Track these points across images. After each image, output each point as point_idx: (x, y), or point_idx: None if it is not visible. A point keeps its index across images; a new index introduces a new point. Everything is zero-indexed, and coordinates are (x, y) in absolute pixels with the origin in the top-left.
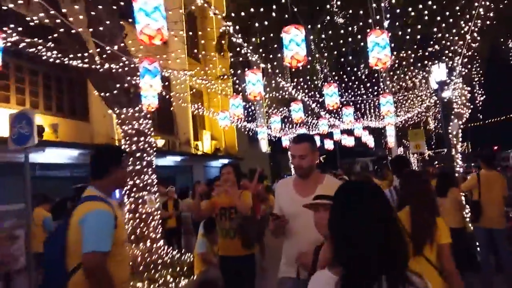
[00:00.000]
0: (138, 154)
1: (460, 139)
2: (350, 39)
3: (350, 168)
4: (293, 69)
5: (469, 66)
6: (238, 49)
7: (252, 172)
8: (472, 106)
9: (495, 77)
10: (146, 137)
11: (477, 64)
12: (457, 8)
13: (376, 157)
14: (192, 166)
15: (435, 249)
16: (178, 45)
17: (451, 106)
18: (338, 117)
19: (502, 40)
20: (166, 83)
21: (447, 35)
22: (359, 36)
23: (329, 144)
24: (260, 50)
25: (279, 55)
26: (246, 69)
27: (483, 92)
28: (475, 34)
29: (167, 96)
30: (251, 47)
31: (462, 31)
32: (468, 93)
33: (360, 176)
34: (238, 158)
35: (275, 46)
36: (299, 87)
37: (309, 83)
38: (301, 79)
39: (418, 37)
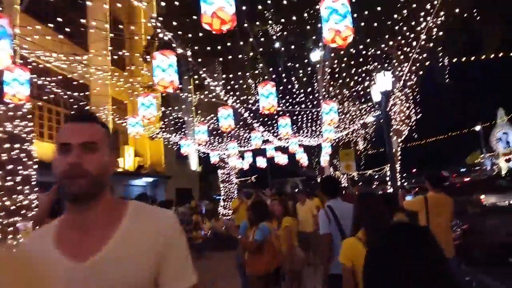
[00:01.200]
0: (10, 166)
1: (399, 157)
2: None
3: (281, 188)
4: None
5: (408, 82)
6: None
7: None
8: (410, 124)
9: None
10: (22, 144)
11: (415, 80)
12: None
13: (306, 177)
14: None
15: None
16: (99, 47)
17: (389, 123)
18: (272, 131)
19: (437, 60)
20: (86, 93)
21: (390, 42)
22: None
23: (261, 162)
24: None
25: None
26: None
27: (419, 110)
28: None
29: (86, 107)
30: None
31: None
32: (406, 109)
33: (291, 196)
34: (165, 176)
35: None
36: (229, 87)
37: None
38: (232, 82)
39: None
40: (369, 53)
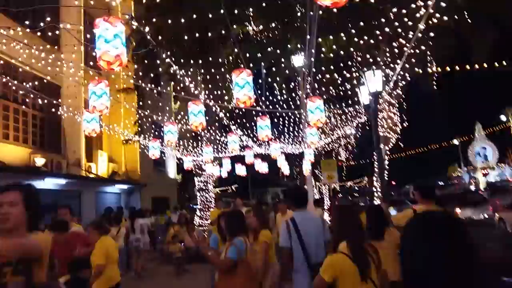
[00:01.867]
0: None
1: (386, 166)
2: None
3: (262, 198)
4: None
5: (397, 86)
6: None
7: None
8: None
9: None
10: None
11: (402, 84)
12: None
13: (287, 187)
14: (81, 192)
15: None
16: (72, 49)
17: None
18: (251, 135)
19: (424, 65)
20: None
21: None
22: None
23: (240, 170)
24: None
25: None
26: None
27: (406, 118)
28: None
29: (54, 109)
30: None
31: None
32: (394, 115)
33: (272, 206)
34: (140, 184)
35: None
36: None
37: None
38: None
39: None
40: (357, 53)
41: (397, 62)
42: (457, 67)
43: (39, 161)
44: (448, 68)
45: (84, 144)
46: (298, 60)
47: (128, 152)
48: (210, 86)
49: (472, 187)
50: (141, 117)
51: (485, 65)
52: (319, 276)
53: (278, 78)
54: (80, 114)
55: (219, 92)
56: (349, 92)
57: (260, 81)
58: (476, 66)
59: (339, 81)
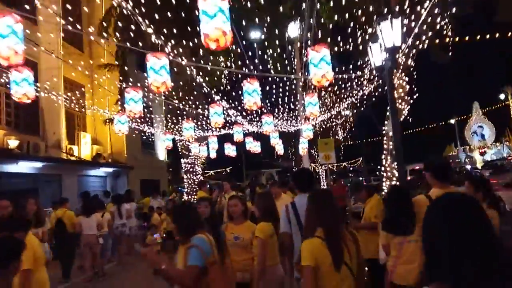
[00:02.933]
0: None
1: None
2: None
3: (256, 180)
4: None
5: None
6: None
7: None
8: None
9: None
10: None
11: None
12: None
13: (282, 168)
14: (61, 175)
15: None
16: (49, 26)
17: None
18: (239, 107)
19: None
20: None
21: None
22: None
23: (230, 150)
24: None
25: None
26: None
27: (416, 89)
28: None
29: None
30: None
31: None
32: (406, 84)
33: (267, 188)
34: (127, 166)
35: None
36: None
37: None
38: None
39: None
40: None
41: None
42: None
43: (13, 143)
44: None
45: (65, 125)
46: (293, 29)
47: (113, 134)
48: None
49: (468, 166)
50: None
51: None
52: (302, 267)
53: (270, 50)
54: (59, 94)
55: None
56: (355, 56)
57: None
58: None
59: (341, 45)
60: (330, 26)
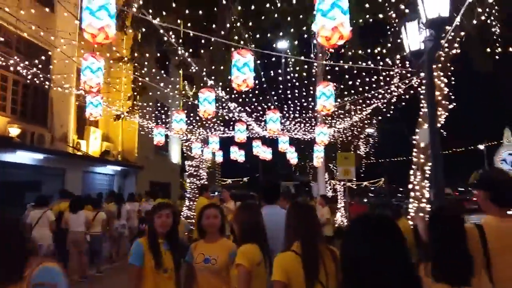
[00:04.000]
0: None
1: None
2: None
3: None
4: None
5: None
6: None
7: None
8: (450, 107)
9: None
10: None
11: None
12: None
13: (300, 182)
14: (65, 170)
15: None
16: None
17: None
18: (256, 117)
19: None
20: (43, 58)
21: None
22: None
23: (236, 154)
24: None
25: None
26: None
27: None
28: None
29: (42, 77)
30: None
31: None
32: (445, 86)
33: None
34: (136, 166)
35: None
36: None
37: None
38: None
39: None
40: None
41: None
42: None
43: (13, 131)
44: None
45: (75, 119)
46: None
47: (126, 132)
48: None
49: None
50: (138, 92)
51: None
52: (273, 282)
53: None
54: (71, 86)
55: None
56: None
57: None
58: None
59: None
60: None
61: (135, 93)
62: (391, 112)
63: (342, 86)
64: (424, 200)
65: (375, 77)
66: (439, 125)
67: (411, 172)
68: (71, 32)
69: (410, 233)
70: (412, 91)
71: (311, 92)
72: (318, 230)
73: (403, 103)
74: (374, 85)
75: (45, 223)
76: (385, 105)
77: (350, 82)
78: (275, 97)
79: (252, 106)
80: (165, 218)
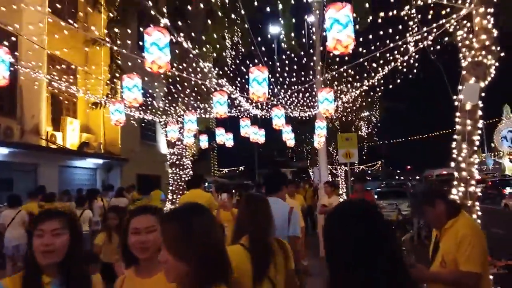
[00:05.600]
0: None
1: (480, 125)
2: None
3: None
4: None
5: None
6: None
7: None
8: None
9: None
10: None
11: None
12: None
13: (296, 168)
14: (37, 165)
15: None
16: None
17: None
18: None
19: None
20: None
21: None
22: None
23: (223, 137)
24: None
25: None
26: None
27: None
28: None
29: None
30: None
31: None
32: (492, 27)
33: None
34: (120, 158)
35: None
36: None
37: None
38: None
39: None
40: None
41: None
42: None
43: None
44: None
45: (50, 109)
46: None
47: (107, 122)
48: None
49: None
50: (115, 75)
51: None
52: None
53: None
54: (41, 72)
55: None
56: None
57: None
58: None
59: None
60: None
61: (113, 78)
62: (414, 73)
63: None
64: (473, 182)
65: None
66: (489, 78)
67: (454, 145)
68: (36, 13)
69: (480, 239)
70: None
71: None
72: (268, 225)
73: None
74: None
75: (20, 223)
76: (404, 64)
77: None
78: (265, 59)
79: (238, 74)
80: (49, 237)
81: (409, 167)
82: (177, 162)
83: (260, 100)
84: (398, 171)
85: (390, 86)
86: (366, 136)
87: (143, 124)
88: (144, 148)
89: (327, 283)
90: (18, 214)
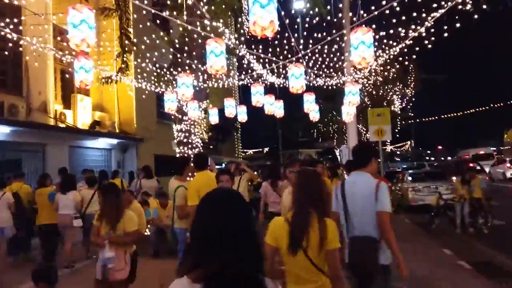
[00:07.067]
0: None
1: None
2: None
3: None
4: None
5: None
6: None
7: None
8: None
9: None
10: None
11: None
12: None
13: (322, 149)
14: (45, 145)
15: (323, 252)
16: None
17: None
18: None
19: None
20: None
21: None
22: None
23: (233, 110)
24: None
25: None
26: None
27: None
28: None
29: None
30: None
31: None
32: None
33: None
34: (135, 138)
35: None
36: None
37: None
38: None
39: None
40: None
41: None
42: None
43: None
44: None
45: (60, 85)
46: None
47: (121, 99)
48: None
49: None
50: (127, 48)
51: None
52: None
53: None
54: (48, 46)
55: None
56: None
57: None
58: None
59: None
60: None
61: (124, 52)
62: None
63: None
64: None
65: None
66: None
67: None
68: None
69: None
70: None
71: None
72: (313, 200)
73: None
74: None
75: (4, 205)
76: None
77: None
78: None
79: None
80: None
81: (440, 147)
82: (185, 140)
83: (219, 73)
84: (428, 152)
85: (427, 42)
86: (399, 112)
87: (159, 102)
88: (161, 127)
89: None
90: (2, 196)
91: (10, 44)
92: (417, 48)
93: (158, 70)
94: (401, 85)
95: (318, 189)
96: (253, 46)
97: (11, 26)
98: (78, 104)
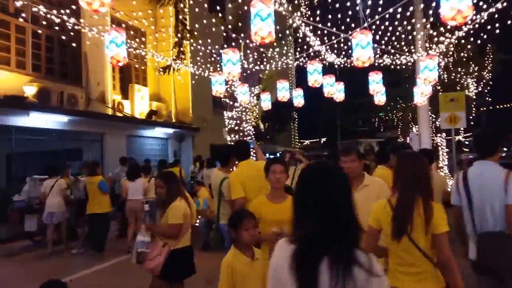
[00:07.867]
0: None
1: None
2: None
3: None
4: None
5: None
6: None
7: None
8: None
9: None
10: None
11: None
12: None
13: (384, 138)
14: (103, 134)
15: (428, 236)
16: None
17: None
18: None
19: None
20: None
21: None
22: None
23: (286, 93)
24: None
25: None
26: None
27: None
28: None
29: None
30: None
31: None
32: None
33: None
34: (191, 128)
35: None
36: None
37: None
38: None
39: None
40: None
41: None
42: None
43: (29, 90)
44: None
45: (118, 76)
46: None
47: (178, 89)
48: None
49: None
50: (184, 36)
51: None
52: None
53: None
54: (104, 35)
55: None
56: None
57: None
58: None
59: None
60: None
61: (180, 39)
62: None
63: None
64: None
65: None
66: None
67: None
68: None
69: None
70: None
71: None
72: (419, 183)
73: None
74: None
75: (58, 191)
76: None
77: None
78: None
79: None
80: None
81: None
82: (236, 128)
83: (265, 42)
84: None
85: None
86: (474, 97)
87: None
88: (216, 117)
89: None
90: (56, 183)
91: (72, 33)
92: (497, 25)
93: (214, 56)
94: (476, 67)
95: (423, 171)
96: (311, 18)
97: (72, 19)
98: (136, 94)
